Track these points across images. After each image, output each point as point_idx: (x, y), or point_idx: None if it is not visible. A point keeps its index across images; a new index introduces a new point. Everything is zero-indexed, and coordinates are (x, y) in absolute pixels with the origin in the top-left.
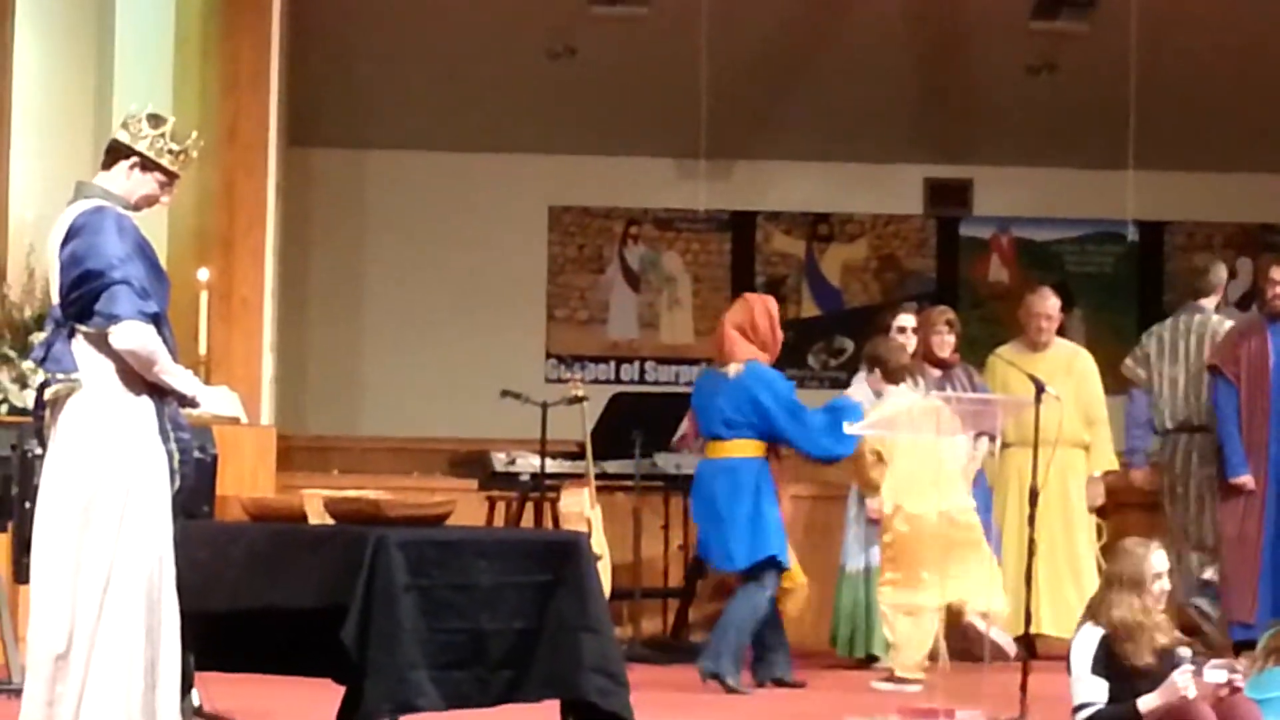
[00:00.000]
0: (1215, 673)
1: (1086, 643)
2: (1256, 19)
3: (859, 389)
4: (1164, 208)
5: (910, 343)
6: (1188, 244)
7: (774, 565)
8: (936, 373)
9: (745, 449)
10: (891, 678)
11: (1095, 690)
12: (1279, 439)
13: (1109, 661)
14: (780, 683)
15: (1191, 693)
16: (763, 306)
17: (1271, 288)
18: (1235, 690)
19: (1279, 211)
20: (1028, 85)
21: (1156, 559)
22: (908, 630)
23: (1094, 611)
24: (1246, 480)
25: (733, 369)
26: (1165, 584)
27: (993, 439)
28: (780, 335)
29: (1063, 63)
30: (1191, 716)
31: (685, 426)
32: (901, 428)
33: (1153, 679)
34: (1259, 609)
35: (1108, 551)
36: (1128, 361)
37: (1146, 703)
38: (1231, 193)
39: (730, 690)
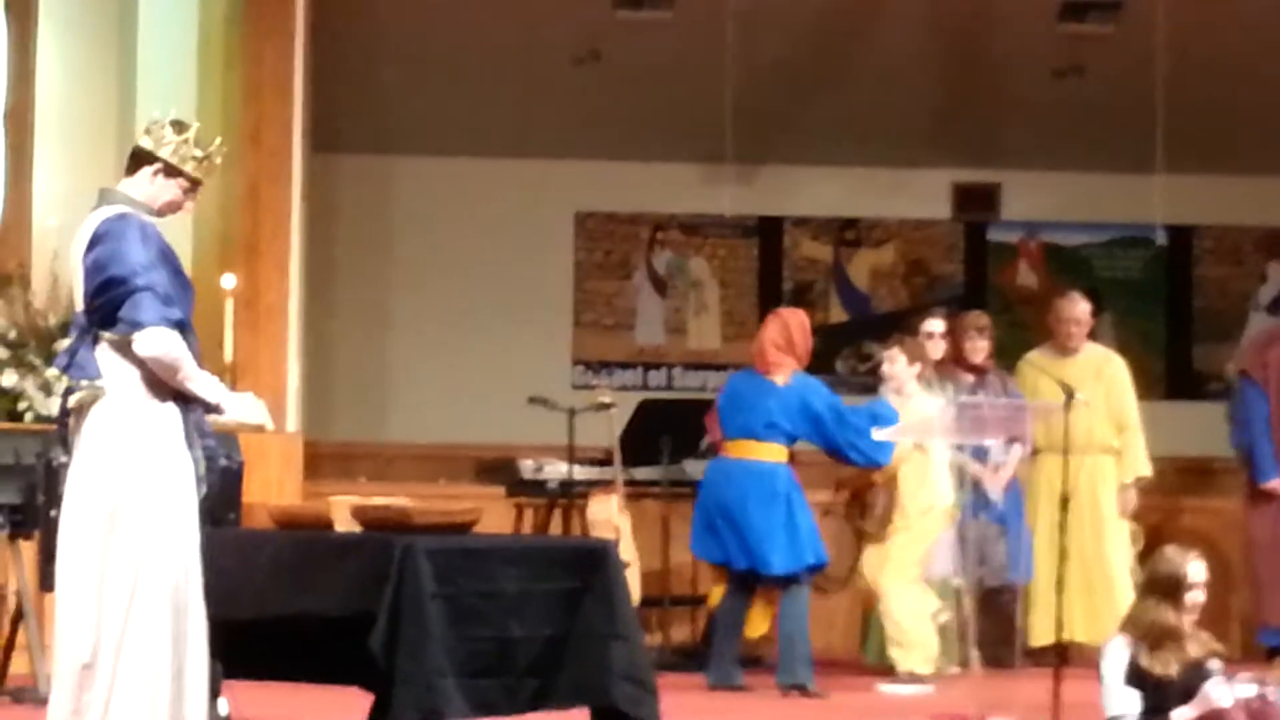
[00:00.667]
0: (1245, 687)
1: (1118, 652)
2: None
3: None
4: (1193, 211)
5: (939, 348)
6: (1216, 248)
7: (811, 568)
8: (970, 378)
9: (776, 453)
10: (904, 678)
11: (1128, 701)
12: None
13: (1140, 672)
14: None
15: (1227, 703)
16: (797, 321)
17: None
18: (1267, 703)
19: None
20: (1055, 88)
21: (1194, 568)
22: (924, 627)
23: (1128, 620)
24: (1277, 485)
25: (780, 378)
26: (1200, 595)
27: (1024, 444)
28: (810, 346)
29: (1090, 66)
30: None
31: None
32: (927, 434)
33: (1183, 690)
34: None
35: (1144, 558)
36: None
37: (1181, 715)
38: (1261, 196)
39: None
